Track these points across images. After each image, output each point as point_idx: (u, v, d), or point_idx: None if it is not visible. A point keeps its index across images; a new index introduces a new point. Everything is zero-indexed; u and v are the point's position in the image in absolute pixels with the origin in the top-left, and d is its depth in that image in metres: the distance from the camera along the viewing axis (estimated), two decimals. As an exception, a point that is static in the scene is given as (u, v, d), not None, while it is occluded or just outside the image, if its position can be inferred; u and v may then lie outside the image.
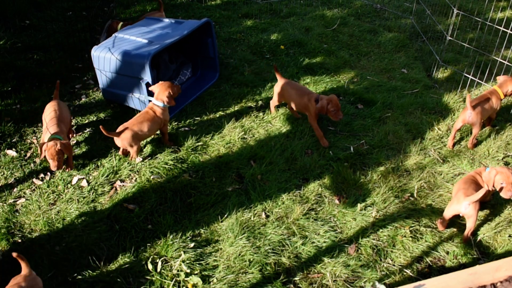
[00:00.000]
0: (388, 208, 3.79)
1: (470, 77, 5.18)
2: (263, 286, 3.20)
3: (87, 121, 4.74)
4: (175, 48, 5.39)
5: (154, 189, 3.92)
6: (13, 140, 4.46)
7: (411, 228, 3.61)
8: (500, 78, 4.56)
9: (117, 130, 4.09)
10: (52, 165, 3.82)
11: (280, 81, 4.71)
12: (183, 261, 3.32)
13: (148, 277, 3.23)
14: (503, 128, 4.72)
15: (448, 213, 3.54)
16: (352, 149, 4.41)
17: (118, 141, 4.13)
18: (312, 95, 4.43)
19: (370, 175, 4.11)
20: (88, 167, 4.15)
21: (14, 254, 2.92)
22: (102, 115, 4.82)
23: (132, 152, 4.18)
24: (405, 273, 3.31)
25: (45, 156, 3.82)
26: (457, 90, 5.24)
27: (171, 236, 3.50)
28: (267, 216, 3.72)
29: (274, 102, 4.81)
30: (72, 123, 4.46)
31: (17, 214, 3.72)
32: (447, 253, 3.45)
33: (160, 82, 4.28)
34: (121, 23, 5.92)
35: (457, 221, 3.69)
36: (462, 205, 3.43)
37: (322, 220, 3.69)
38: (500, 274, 3.04)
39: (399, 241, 3.52)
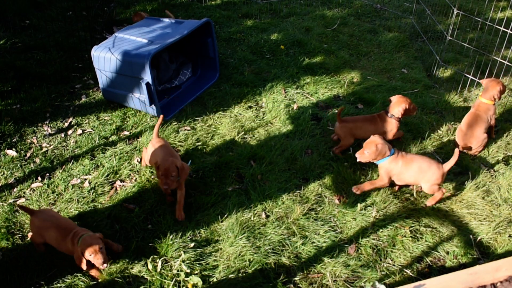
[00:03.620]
0: (388, 208, 3.79)
1: (470, 77, 5.18)
2: (263, 286, 3.20)
3: (87, 121, 4.74)
4: (175, 48, 5.39)
5: (154, 189, 3.92)
6: (13, 140, 4.46)
7: (411, 228, 3.61)
8: (483, 82, 4.49)
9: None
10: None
11: (345, 124, 4.25)
12: (183, 261, 3.32)
13: (148, 277, 3.23)
14: (503, 128, 4.72)
15: None
16: (351, 149, 4.41)
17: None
18: (379, 113, 4.29)
19: (370, 175, 4.11)
20: (88, 167, 4.15)
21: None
22: (102, 115, 4.82)
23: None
24: (405, 273, 3.31)
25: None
26: (457, 90, 5.24)
27: (171, 236, 3.49)
28: (267, 216, 3.72)
29: (346, 145, 4.31)
30: None
31: (17, 214, 3.72)
32: (447, 253, 3.45)
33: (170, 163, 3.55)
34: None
35: (457, 221, 3.69)
36: None
37: (322, 220, 3.69)
38: (500, 274, 3.04)
39: (399, 241, 3.52)
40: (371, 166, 4.20)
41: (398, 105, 4.20)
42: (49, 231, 3.23)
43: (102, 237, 3.22)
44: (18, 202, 3.81)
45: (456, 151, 3.73)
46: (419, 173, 3.73)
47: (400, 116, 4.22)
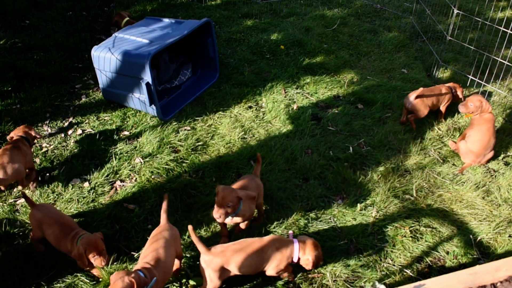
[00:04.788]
0: (388, 208, 3.79)
1: (470, 77, 5.18)
2: (263, 286, 3.20)
3: (87, 121, 4.74)
4: (175, 48, 5.39)
5: (154, 189, 3.92)
6: (13, 140, 4.46)
7: (411, 228, 3.61)
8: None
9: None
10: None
11: (422, 97, 4.60)
12: (184, 262, 3.32)
13: (148, 277, 3.22)
14: (503, 128, 4.72)
15: None
16: (352, 149, 4.41)
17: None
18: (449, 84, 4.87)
19: (370, 175, 4.11)
20: (88, 167, 4.14)
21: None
22: (102, 115, 4.82)
23: None
24: (405, 273, 3.31)
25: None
26: (457, 90, 5.23)
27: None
28: (267, 216, 3.72)
29: (420, 116, 4.67)
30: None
31: (17, 214, 3.72)
32: (447, 253, 3.46)
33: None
34: (126, 18, 5.93)
35: (457, 221, 3.69)
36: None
37: (322, 220, 3.69)
38: (500, 274, 3.04)
39: (399, 241, 3.52)
40: (371, 166, 4.21)
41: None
42: (50, 227, 3.22)
43: (103, 237, 3.20)
44: (18, 202, 3.81)
45: (258, 155, 3.68)
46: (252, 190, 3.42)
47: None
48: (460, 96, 4.80)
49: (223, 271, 2.98)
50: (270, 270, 3.08)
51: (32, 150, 4.12)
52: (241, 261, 2.96)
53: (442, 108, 4.79)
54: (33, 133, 4.09)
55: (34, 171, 4.00)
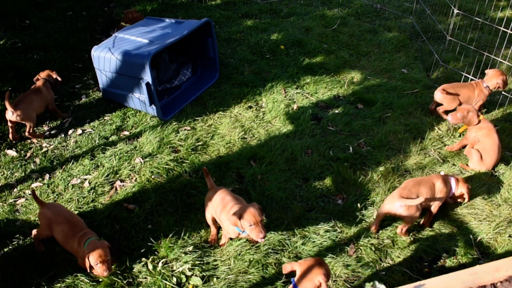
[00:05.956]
0: (388, 208, 3.78)
1: (470, 77, 5.18)
2: (263, 286, 3.20)
3: (87, 120, 4.74)
4: (175, 48, 5.39)
5: (154, 189, 3.92)
6: (13, 140, 4.46)
7: (411, 228, 3.61)
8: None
9: None
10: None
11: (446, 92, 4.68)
12: (186, 262, 3.32)
13: (149, 277, 3.23)
14: (503, 128, 4.72)
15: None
16: (352, 149, 4.41)
17: None
18: (477, 81, 4.76)
19: (370, 175, 4.11)
20: (88, 167, 4.14)
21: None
22: (102, 115, 4.82)
23: None
24: (405, 273, 3.31)
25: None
26: (457, 90, 5.23)
27: (172, 239, 3.49)
28: (267, 216, 3.72)
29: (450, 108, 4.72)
30: None
31: (17, 214, 3.72)
32: (447, 253, 3.45)
33: None
34: (122, 23, 5.91)
35: (457, 221, 3.69)
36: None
37: (322, 220, 3.69)
38: (500, 274, 3.04)
39: (399, 241, 3.52)
40: (371, 166, 4.21)
41: (496, 78, 4.55)
42: (60, 225, 3.23)
43: (110, 247, 3.16)
44: (18, 202, 3.81)
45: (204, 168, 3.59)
46: None
47: (493, 89, 4.59)
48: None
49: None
50: (435, 206, 3.56)
51: (52, 94, 4.68)
52: (422, 191, 3.44)
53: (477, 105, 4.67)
54: (54, 76, 4.68)
55: (58, 112, 4.71)
